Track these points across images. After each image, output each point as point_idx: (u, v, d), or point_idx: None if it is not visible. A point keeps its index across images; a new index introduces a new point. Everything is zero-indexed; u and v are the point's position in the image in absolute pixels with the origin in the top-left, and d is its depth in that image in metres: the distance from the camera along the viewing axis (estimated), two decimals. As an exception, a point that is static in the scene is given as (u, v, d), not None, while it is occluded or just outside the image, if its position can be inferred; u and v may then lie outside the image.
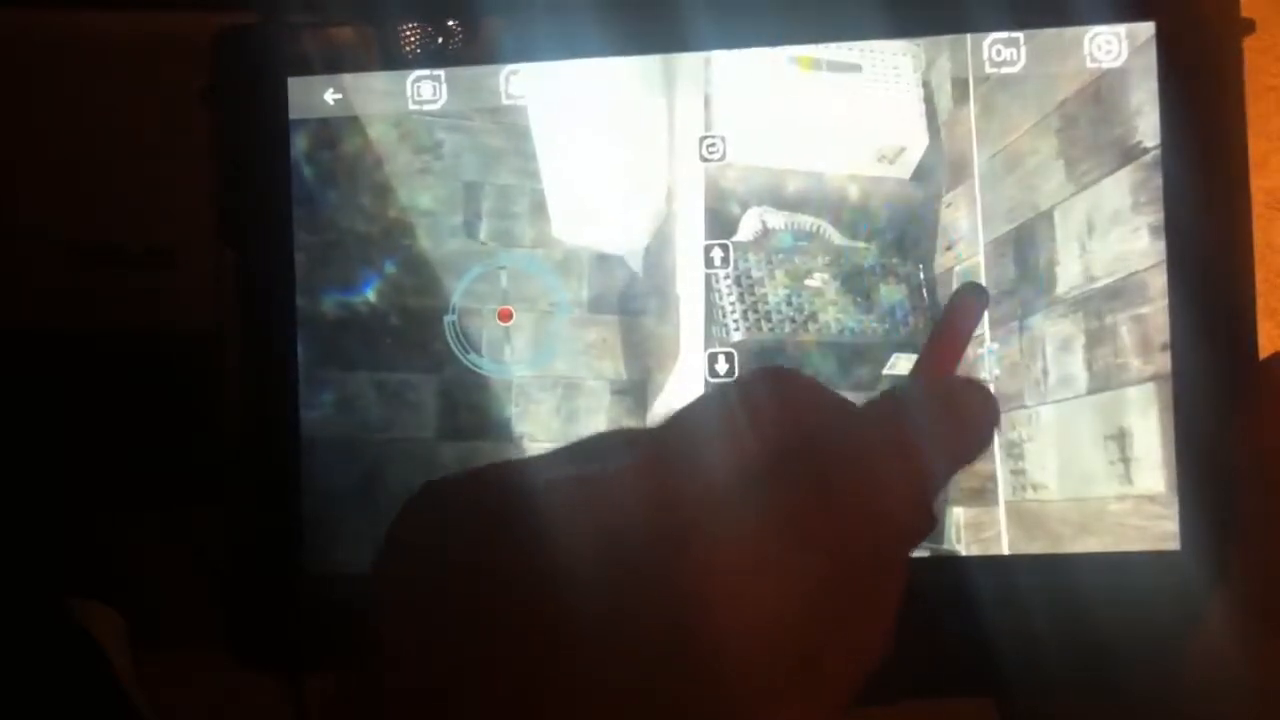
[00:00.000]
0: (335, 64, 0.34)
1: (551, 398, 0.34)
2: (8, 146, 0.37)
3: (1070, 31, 0.32)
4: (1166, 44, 0.32)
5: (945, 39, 0.33)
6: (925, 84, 0.33)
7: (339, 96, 0.34)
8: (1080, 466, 0.32)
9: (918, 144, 0.33)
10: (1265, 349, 0.31)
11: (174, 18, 0.35)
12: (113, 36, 0.36)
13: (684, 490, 0.18)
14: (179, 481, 0.37)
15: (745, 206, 0.34)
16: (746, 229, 0.34)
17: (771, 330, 0.33)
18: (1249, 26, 0.32)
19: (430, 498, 0.19)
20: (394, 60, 0.34)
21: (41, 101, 0.36)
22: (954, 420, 0.22)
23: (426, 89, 0.34)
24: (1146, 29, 0.32)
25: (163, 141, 0.35)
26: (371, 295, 0.34)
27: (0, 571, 0.36)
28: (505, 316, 0.34)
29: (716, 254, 0.34)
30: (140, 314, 0.36)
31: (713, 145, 0.33)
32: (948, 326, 0.26)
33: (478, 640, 0.17)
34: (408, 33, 0.34)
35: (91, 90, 0.36)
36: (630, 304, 0.34)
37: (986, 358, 0.33)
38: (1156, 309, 0.32)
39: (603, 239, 0.34)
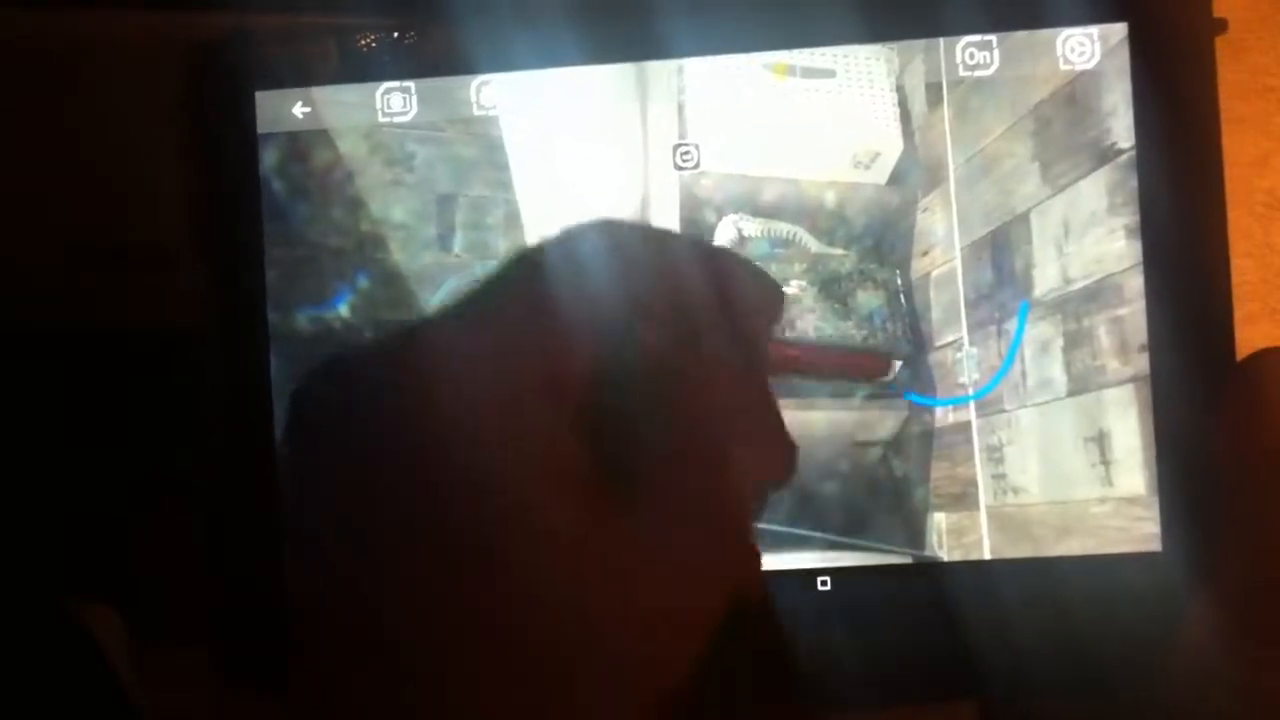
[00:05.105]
0: (303, 77, 0.34)
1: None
2: (7, 146, 0.36)
3: (1043, 34, 0.32)
4: (1139, 45, 0.32)
5: (918, 43, 0.33)
6: (899, 88, 0.33)
7: (308, 110, 0.34)
8: (1061, 469, 0.32)
9: (892, 149, 0.33)
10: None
11: (174, 18, 0.35)
12: (113, 36, 0.35)
13: (547, 335, 0.20)
14: (180, 482, 0.37)
15: (721, 214, 0.33)
16: (722, 237, 0.33)
17: (749, 338, 0.33)
18: (1221, 26, 0.32)
19: (325, 377, 0.20)
20: (363, 72, 0.34)
21: (41, 101, 0.36)
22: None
23: (396, 101, 0.34)
24: (1119, 30, 0.32)
25: (162, 141, 0.35)
26: (345, 310, 0.34)
27: (0, 571, 0.36)
28: (481, 329, 0.34)
29: (693, 262, 0.33)
30: (140, 314, 0.36)
31: (687, 153, 0.33)
32: None
33: (380, 512, 0.19)
34: (376, 44, 0.34)
35: (91, 89, 0.36)
36: (607, 314, 0.34)
37: (965, 361, 0.33)
38: (1134, 310, 0.32)
39: (578, 249, 0.34)
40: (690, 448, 0.20)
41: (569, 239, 0.21)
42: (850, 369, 0.31)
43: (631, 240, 0.22)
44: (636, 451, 0.20)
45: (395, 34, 0.34)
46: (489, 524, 0.18)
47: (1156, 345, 0.31)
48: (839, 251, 0.33)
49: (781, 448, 0.22)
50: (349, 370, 0.20)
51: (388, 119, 0.34)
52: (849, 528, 0.33)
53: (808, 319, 0.33)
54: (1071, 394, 0.32)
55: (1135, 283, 0.32)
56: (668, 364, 0.21)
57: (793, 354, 0.26)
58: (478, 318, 0.20)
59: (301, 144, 0.34)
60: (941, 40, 0.32)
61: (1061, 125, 0.32)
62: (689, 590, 0.20)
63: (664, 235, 0.23)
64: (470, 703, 0.18)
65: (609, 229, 0.21)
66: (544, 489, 0.19)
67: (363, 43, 0.34)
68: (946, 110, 0.33)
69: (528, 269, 0.21)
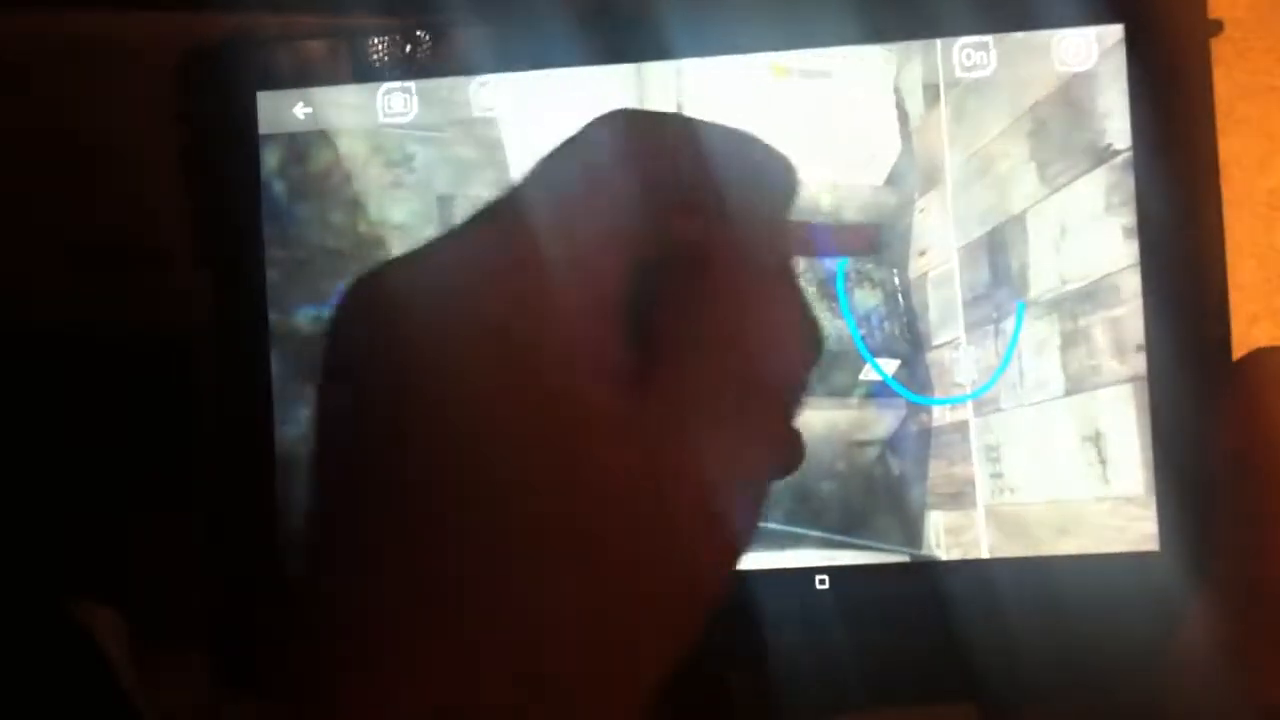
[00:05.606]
0: (305, 78, 0.34)
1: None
2: (7, 147, 0.36)
3: (1039, 35, 0.32)
4: (1135, 46, 0.32)
5: (916, 44, 0.33)
6: (896, 89, 0.33)
7: (309, 111, 0.34)
8: (1058, 469, 0.32)
9: (890, 149, 0.33)
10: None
11: (176, 18, 0.35)
12: (113, 37, 0.36)
13: (536, 253, 0.20)
14: (179, 482, 0.37)
15: (719, 214, 0.33)
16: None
17: (747, 338, 0.33)
18: (1216, 28, 0.32)
19: (368, 284, 0.20)
20: (364, 73, 0.34)
21: (40, 102, 0.36)
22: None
23: (397, 102, 0.34)
24: (1115, 31, 0.32)
25: (162, 144, 0.35)
26: (345, 310, 0.34)
27: (0, 571, 0.36)
28: (480, 328, 0.34)
29: (691, 262, 0.34)
30: (140, 315, 0.36)
31: (685, 154, 0.33)
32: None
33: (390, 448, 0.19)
34: (378, 45, 0.34)
35: (91, 91, 0.36)
36: (606, 314, 0.34)
37: (962, 361, 0.33)
38: (1130, 310, 0.32)
39: (577, 249, 0.34)
40: (726, 336, 0.20)
41: (591, 135, 0.21)
42: (842, 244, 0.31)
43: (650, 126, 0.21)
44: (669, 343, 0.20)
45: (396, 35, 0.34)
46: (525, 418, 0.18)
47: (1153, 345, 0.32)
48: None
49: (812, 328, 0.22)
50: (389, 277, 0.20)
51: (388, 119, 0.34)
52: (847, 526, 0.33)
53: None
54: (1069, 393, 0.32)
55: (1132, 283, 0.32)
56: (698, 251, 0.21)
57: (794, 234, 0.27)
58: (509, 218, 0.20)
59: (302, 145, 0.34)
60: (939, 42, 0.33)
61: (1058, 126, 0.32)
62: (728, 482, 0.20)
63: (680, 119, 0.22)
64: (501, 588, 0.18)
65: (627, 119, 0.21)
66: (580, 382, 0.19)
67: (364, 44, 0.34)
68: (944, 111, 0.33)
69: (553, 167, 0.21)
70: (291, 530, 0.34)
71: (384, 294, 0.20)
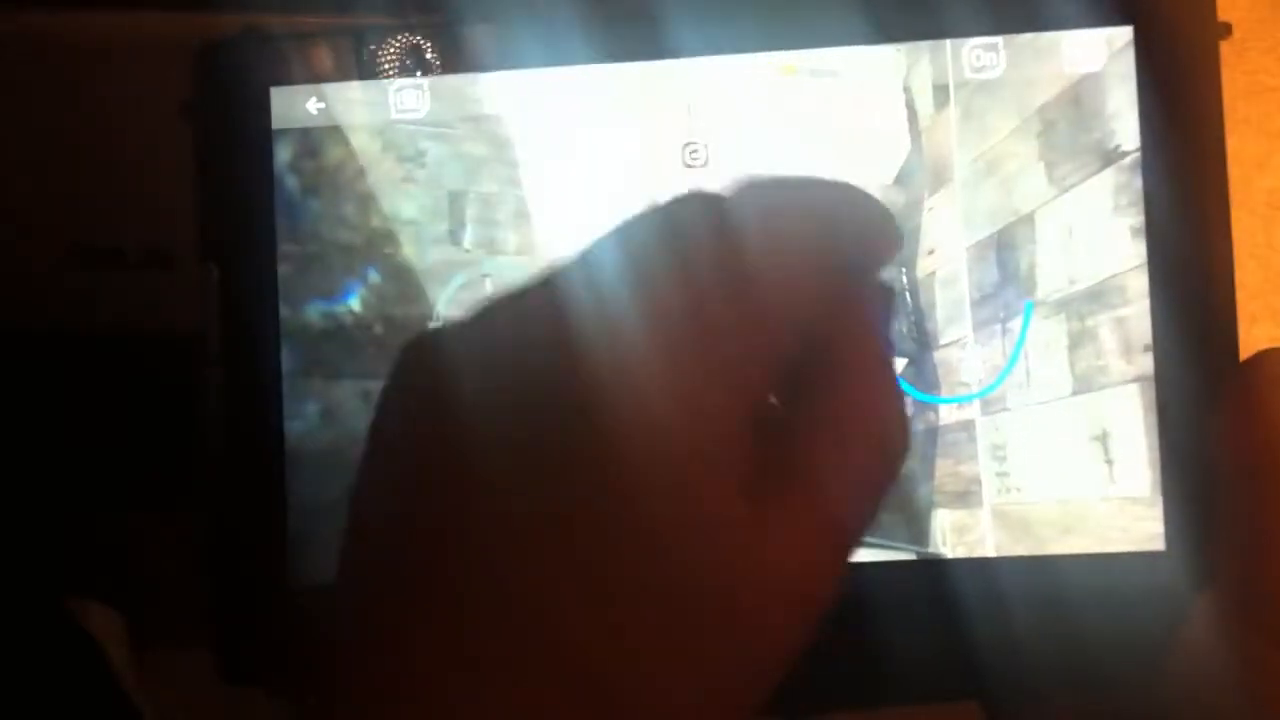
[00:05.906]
0: (317, 74, 0.34)
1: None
2: (7, 147, 0.37)
3: (1049, 36, 0.32)
4: (1144, 48, 0.32)
5: (925, 44, 0.33)
6: (906, 89, 0.33)
7: (322, 106, 0.34)
8: (1064, 468, 0.32)
9: (899, 149, 0.33)
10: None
11: (175, 19, 0.36)
12: (113, 38, 0.36)
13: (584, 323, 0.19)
14: (179, 482, 0.37)
15: (728, 213, 0.33)
16: (730, 235, 0.34)
17: (756, 336, 0.33)
18: (1225, 30, 0.32)
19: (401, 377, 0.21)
20: (376, 69, 0.34)
21: (41, 102, 0.36)
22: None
23: (409, 98, 0.34)
24: (1124, 33, 0.32)
25: (162, 143, 0.35)
26: (355, 304, 0.34)
27: (0, 571, 0.36)
28: (490, 324, 0.34)
29: (700, 260, 0.34)
30: (140, 315, 0.36)
31: (695, 152, 0.34)
32: None
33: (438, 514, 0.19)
34: (390, 42, 0.34)
35: (91, 91, 0.36)
36: (615, 311, 0.34)
37: (969, 360, 0.33)
38: (1137, 311, 0.32)
39: (587, 246, 0.34)
40: (853, 420, 0.20)
41: (710, 218, 0.20)
42: None
43: (774, 200, 0.20)
44: (799, 437, 0.19)
45: (409, 32, 0.34)
46: (646, 504, 0.18)
47: (1160, 345, 0.32)
48: (845, 250, 0.33)
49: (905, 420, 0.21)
50: (460, 342, 0.20)
51: (400, 115, 0.34)
52: (853, 524, 0.33)
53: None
54: (1075, 393, 0.32)
55: (1139, 283, 0.32)
56: (820, 330, 0.20)
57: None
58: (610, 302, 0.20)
59: (314, 140, 0.34)
60: (948, 42, 0.33)
61: (1067, 127, 0.32)
62: (842, 562, 0.19)
63: (791, 183, 0.21)
64: (588, 674, 0.18)
65: (751, 188, 0.20)
66: (707, 477, 0.18)
67: (376, 41, 0.34)
68: (953, 111, 0.33)
69: (649, 253, 0.20)
70: (299, 529, 0.34)
71: (447, 362, 0.20)
